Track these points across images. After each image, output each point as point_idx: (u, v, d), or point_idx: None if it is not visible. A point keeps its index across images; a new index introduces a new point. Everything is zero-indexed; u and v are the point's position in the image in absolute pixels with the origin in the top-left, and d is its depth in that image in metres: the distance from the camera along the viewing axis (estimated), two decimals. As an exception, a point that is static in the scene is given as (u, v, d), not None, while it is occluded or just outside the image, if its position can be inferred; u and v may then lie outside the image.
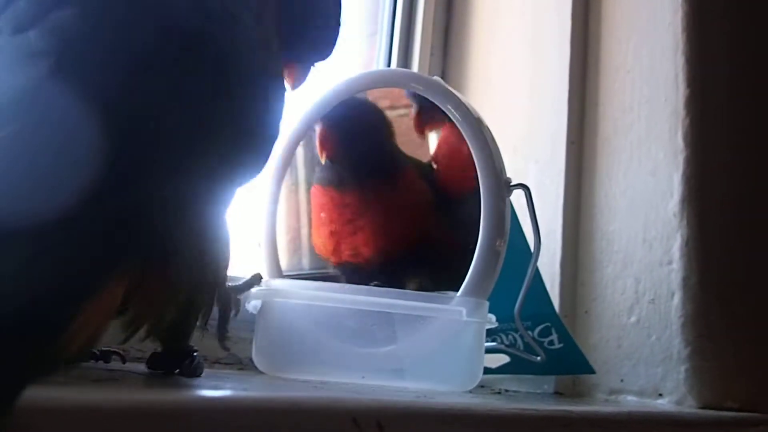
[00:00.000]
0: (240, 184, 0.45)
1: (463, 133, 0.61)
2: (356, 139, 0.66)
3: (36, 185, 0.32)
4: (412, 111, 0.67)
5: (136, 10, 0.39)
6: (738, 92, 0.73)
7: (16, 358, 0.27)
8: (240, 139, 0.42)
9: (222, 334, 0.52)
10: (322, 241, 0.70)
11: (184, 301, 0.42)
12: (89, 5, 0.38)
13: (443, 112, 0.64)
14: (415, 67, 0.87)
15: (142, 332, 0.43)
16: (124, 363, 0.50)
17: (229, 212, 0.46)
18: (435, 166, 0.68)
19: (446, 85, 0.64)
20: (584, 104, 0.78)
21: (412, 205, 0.68)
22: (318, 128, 0.66)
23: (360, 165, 0.68)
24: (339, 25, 0.56)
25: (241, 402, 0.33)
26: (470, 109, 0.62)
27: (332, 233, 0.69)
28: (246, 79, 0.43)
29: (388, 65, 0.88)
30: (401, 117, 0.74)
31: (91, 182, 0.33)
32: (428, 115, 0.66)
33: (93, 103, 0.34)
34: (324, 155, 0.67)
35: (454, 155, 0.64)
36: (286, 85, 0.53)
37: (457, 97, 0.63)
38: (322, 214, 0.69)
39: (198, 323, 0.45)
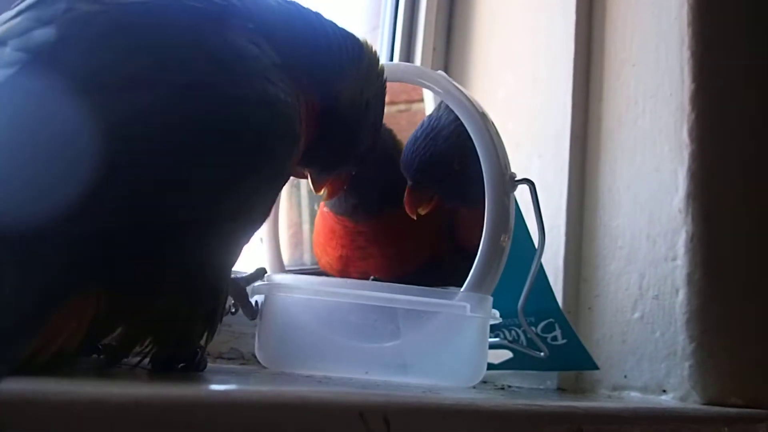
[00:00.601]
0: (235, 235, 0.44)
1: (468, 129, 0.61)
2: (371, 173, 0.62)
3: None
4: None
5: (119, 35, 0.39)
6: (744, 87, 0.72)
7: None
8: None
9: (251, 313, 0.54)
10: (328, 261, 0.69)
11: (180, 328, 0.42)
12: (70, 28, 0.38)
13: (436, 187, 0.63)
14: (417, 62, 0.87)
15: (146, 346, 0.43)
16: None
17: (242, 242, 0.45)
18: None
19: (450, 80, 0.63)
20: (588, 98, 0.77)
21: (423, 230, 0.67)
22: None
23: (375, 197, 0.66)
24: (376, 147, 0.56)
25: (248, 396, 0.33)
26: (474, 103, 0.62)
27: (342, 257, 0.68)
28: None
29: (391, 60, 0.87)
30: (401, 113, 0.73)
31: (61, 195, 0.33)
32: (422, 192, 0.64)
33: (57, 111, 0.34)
34: (342, 191, 0.63)
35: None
36: (324, 192, 0.56)
37: (461, 91, 0.62)
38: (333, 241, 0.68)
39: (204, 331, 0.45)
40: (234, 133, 0.39)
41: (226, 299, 0.45)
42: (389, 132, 0.68)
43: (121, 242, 0.36)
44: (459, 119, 0.61)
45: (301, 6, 0.50)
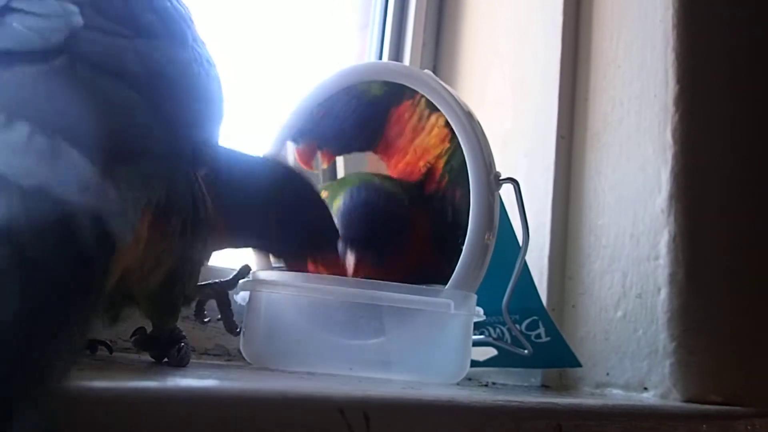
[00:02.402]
0: None
1: (453, 127, 0.61)
2: (369, 230, 0.64)
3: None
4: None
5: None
6: (728, 89, 0.73)
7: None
8: None
9: (230, 327, 0.56)
10: None
11: (167, 271, 0.43)
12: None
13: (318, 141, 0.66)
14: (406, 61, 0.87)
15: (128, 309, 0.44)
16: (111, 353, 0.50)
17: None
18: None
19: (436, 78, 0.64)
20: (574, 99, 0.78)
21: (420, 258, 0.67)
22: (352, 256, 0.63)
23: (375, 250, 0.64)
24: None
25: (226, 392, 0.33)
26: (460, 102, 0.62)
27: None
28: None
29: (380, 58, 0.88)
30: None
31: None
32: (307, 149, 0.68)
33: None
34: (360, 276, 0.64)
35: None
36: None
37: (448, 91, 0.63)
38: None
39: (186, 308, 0.46)
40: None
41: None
42: (372, 181, 0.69)
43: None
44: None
45: None
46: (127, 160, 0.36)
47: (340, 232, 0.61)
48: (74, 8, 0.38)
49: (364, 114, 0.68)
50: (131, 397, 0.30)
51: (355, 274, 0.61)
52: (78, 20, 0.37)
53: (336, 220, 0.62)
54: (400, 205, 0.67)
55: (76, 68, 0.36)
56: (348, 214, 0.64)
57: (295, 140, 0.69)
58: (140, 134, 0.38)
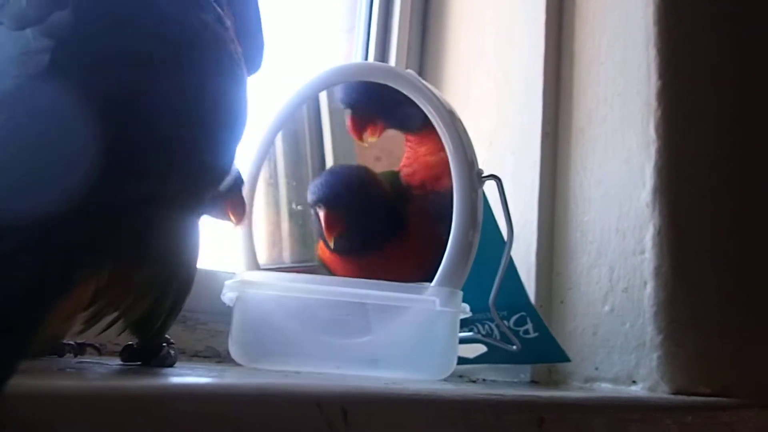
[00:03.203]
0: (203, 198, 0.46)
1: (435, 126, 0.62)
2: (360, 213, 0.66)
3: (17, 180, 0.33)
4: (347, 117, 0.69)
5: (132, 13, 0.40)
6: (709, 83, 0.74)
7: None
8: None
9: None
10: None
11: (154, 298, 0.43)
12: (85, 6, 0.39)
13: (375, 111, 0.66)
14: (392, 62, 0.88)
15: (117, 326, 0.44)
16: (100, 355, 0.51)
17: (199, 217, 0.47)
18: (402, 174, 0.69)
19: (419, 78, 0.65)
20: (558, 96, 0.78)
21: (425, 243, 0.68)
22: (321, 213, 0.66)
23: (371, 234, 0.67)
24: (263, 42, 0.58)
25: (203, 388, 0.34)
26: (442, 101, 0.63)
27: None
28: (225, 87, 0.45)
29: (366, 60, 0.88)
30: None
31: (75, 182, 0.34)
32: (363, 117, 0.68)
33: (85, 103, 0.36)
34: (335, 234, 0.66)
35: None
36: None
37: (430, 90, 0.63)
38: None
39: (171, 319, 0.46)
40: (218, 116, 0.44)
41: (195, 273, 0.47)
42: (366, 170, 0.70)
43: (122, 218, 0.38)
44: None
45: None
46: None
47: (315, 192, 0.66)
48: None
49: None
50: (104, 396, 0.30)
51: (328, 231, 0.65)
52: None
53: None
54: (376, 183, 0.69)
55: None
56: (324, 176, 0.69)
57: (351, 107, 0.69)
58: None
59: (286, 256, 0.78)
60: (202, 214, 0.47)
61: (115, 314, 0.42)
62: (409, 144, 0.70)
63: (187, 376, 0.41)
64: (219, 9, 0.47)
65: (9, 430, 0.27)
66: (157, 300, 0.44)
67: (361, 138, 0.69)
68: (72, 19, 0.38)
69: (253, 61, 0.57)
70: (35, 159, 0.34)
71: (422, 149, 0.68)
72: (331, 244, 0.66)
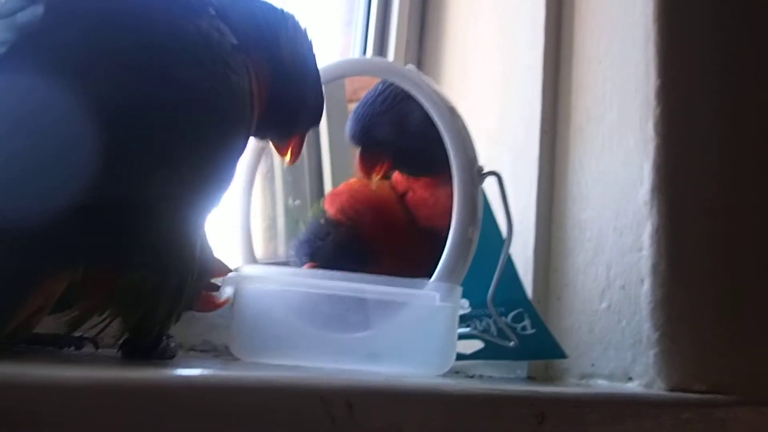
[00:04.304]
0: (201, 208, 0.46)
1: (436, 122, 0.62)
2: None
3: None
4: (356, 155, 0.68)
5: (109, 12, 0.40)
6: (708, 82, 0.74)
7: None
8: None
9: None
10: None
11: (146, 307, 0.43)
12: (59, 3, 0.39)
13: (389, 152, 0.66)
14: (390, 58, 0.88)
15: (117, 329, 0.44)
16: (97, 349, 0.51)
17: (205, 219, 0.47)
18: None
19: (420, 74, 0.65)
20: (557, 94, 0.79)
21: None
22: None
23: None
24: (322, 98, 0.58)
25: (209, 380, 0.33)
26: (443, 97, 0.63)
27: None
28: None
29: (364, 55, 0.88)
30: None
31: (46, 179, 0.34)
32: (373, 156, 0.67)
33: (46, 97, 0.35)
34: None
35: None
36: (287, 157, 0.58)
37: (430, 86, 0.63)
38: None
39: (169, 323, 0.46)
40: (201, 120, 0.43)
41: (194, 276, 0.46)
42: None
43: (98, 218, 0.37)
44: (395, 86, 0.64)
45: None
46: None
47: None
48: None
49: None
50: (109, 388, 0.30)
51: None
52: None
53: None
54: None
55: None
56: None
57: (360, 142, 0.68)
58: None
59: (281, 252, 0.78)
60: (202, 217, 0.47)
61: (104, 317, 0.42)
62: (420, 184, 0.69)
63: (193, 368, 0.41)
64: (216, 17, 0.46)
65: (7, 421, 0.27)
66: (150, 308, 0.43)
67: (370, 177, 0.68)
68: (41, 14, 0.38)
69: (309, 117, 0.57)
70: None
71: (441, 191, 0.66)
72: None
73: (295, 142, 0.58)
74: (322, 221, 0.66)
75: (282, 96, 0.53)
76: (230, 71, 0.45)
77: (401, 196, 0.70)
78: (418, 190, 0.69)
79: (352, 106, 0.71)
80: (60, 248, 0.36)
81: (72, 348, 0.47)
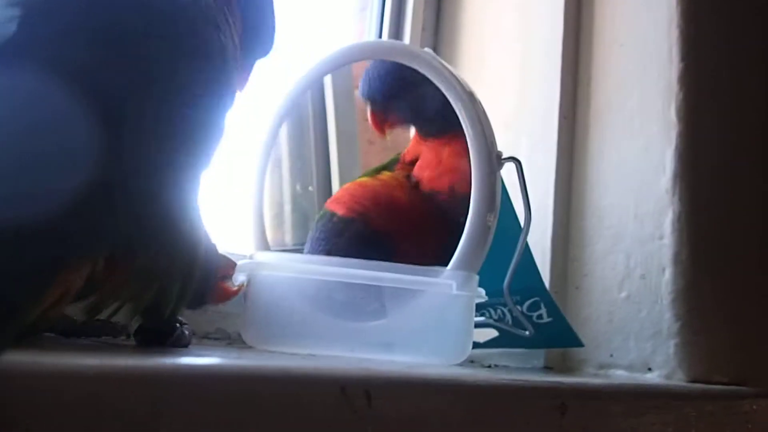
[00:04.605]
0: (196, 173, 0.45)
1: (455, 107, 0.60)
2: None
3: None
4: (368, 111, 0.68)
5: None
6: (732, 67, 0.72)
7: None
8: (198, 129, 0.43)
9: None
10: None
11: (158, 286, 0.42)
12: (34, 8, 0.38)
13: (398, 108, 0.65)
14: (406, 41, 0.86)
15: (128, 313, 0.43)
16: (115, 337, 0.50)
17: (197, 199, 0.46)
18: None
19: (438, 58, 0.63)
20: (577, 79, 0.77)
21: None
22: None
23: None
24: (275, 24, 0.57)
25: (228, 369, 0.33)
26: (462, 82, 0.61)
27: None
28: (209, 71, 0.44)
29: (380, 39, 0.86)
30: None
31: (56, 167, 0.33)
32: (383, 111, 0.67)
33: (55, 76, 0.35)
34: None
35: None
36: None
37: (449, 71, 0.62)
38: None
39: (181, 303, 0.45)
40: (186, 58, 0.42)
41: (202, 252, 0.45)
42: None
43: (109, 203, 0.37)
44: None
45: None
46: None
47: None
48: None
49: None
50: (132, 375, 0.29)
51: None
52: None
53: None
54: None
55: None
56: None
57: (370, 98, 0.68)
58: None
59: (288, 240, 0.77)
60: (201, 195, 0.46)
61: (118, 303, 0.41)
62: (427, 146, 0.68)
63: (209, 357, 0.40)
64: None
65: (24, 407, 0.26)
66: (163, 287, 0.43)
67: (383, 132, 0.68)
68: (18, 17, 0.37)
69: (264, 45, 0.56)
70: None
71: (446, 150, 0.66)
72: None
73: (244, 70, 0.56)
74: (335, 220, 0.65)
75: (252, 26, 0.53)
76: (219, 32, 0.45)
77: (407, 177, 0.69)
78: (426, 154, 0.68)
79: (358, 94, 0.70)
80: (80, 237, 0.35)
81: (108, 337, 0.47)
